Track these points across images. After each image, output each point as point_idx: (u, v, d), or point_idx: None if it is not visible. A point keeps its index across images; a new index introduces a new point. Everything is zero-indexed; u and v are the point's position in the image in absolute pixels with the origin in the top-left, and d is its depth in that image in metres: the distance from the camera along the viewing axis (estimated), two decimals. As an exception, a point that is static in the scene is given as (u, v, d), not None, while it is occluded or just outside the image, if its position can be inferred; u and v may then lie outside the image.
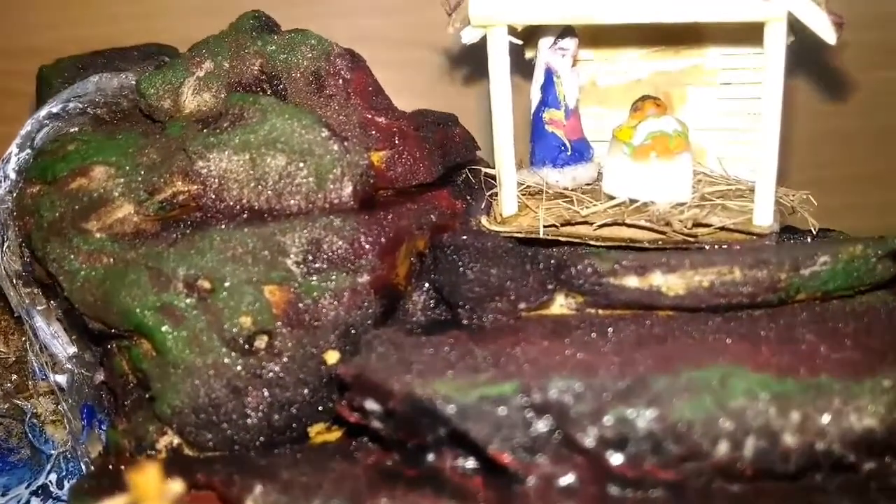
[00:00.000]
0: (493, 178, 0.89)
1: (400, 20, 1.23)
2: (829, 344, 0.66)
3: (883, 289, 0.76)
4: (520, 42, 0.85)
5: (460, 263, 0.76)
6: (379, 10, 1.22)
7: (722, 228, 0.81)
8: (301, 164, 0.75)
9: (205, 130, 0.77)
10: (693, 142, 0.90)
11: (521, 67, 0.95)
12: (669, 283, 0.71)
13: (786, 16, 0.74)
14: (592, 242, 0.84)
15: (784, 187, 0.90)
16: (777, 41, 0.75)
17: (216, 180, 0.76)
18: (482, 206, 0.91)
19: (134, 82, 0.88)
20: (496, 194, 0.89)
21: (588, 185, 0.94)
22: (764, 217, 0.80)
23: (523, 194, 0.90)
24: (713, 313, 0.73)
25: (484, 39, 0.84)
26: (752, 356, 0.62)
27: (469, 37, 0.85)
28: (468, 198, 0.92)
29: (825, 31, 0.75)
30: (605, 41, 1.01)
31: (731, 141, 1.02)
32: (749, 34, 0.93)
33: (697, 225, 0.81)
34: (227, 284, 0.72)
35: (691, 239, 0.81)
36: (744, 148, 1.01)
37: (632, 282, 0.71)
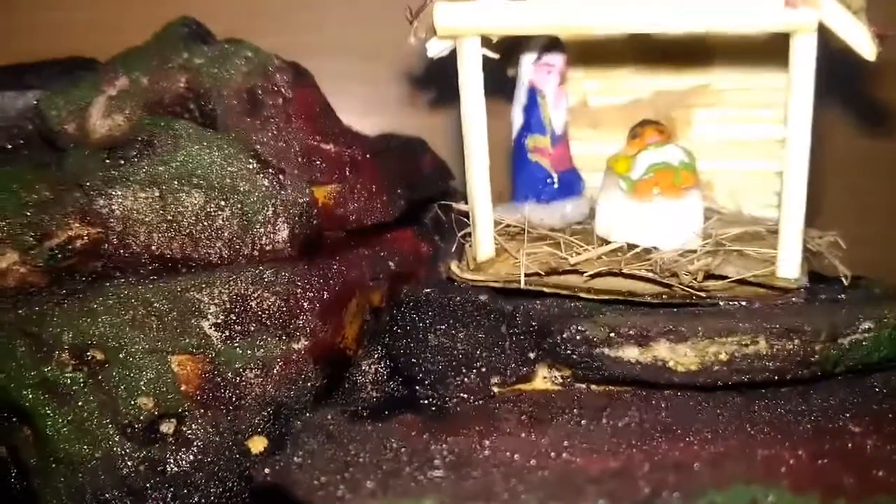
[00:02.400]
0: (467, 215, 0.75)
1: (375, 32, 1.10)
2: (880, 437, 0.52)
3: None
4: (496, 56, 0.71)
5: (421, 325, 0.63)
6: (352, 21, 1.09)
7: (739, 281, 0.67)
8: (222, 203, 0.61)
9: (108, 161, 0.63)
10: (700, 172, 0.77)
11: (502, 85, 0.81)
12: (678, 355, 0.57)
13: (816, 26, 0.61)
14: (583, 295, 0.70)
15: (809, 227, 0.77)
16: (806, 56, 0.62)
17: (119, 222, 0.62)
18: (453, 249, 0.77)
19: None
20: (469, 235, 0.75)
21: (578, 223, 0.80)
22: (790, 268, 0.66)
23: (502, 235, 0.76)
24: (731, 389, 0.59)
25: (454, 52, 0.70)
26: (787, 463, 0.48)
27: (436, 49, 0.72)
28: (437, 239, 0.78)
29: (862, 44, 0.62)
30: (597, 59, 0.87)
31: (743, 171, 0.88)
32: (767, 51, 0.80)
33: (710, 277, 0.67)
34: (123, 355, 0.57)
35: (702, 294, 0.67)
36: (758, 179, 0.87)
37: (631, 353, 0.57)
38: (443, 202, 0.79)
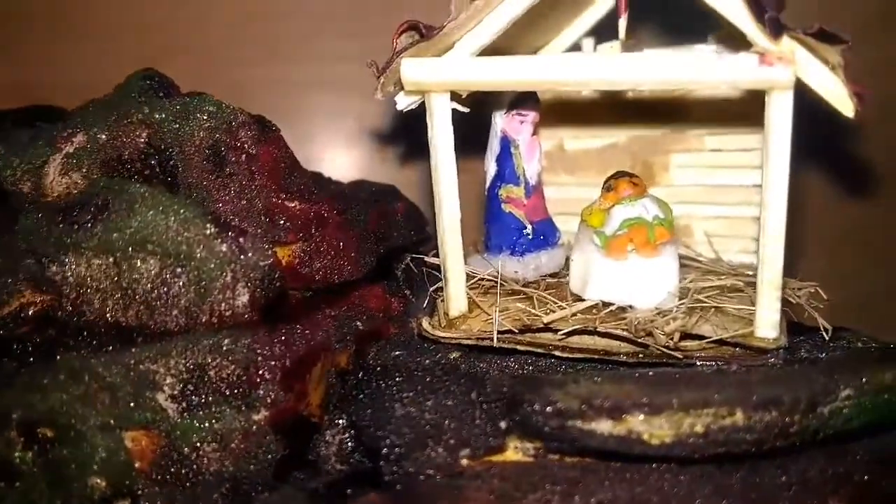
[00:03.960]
0: (439, 268, 0.73)
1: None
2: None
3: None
4: (466, 110, 0.69)
5: (388, 393, 0.60)
6: (342, 55, 1.07)
7: (717, 341, 0.65)
8: (178, 270, 0.59)
9: (61, 226, 0.60)
10: (677, 216, 0.75)
11: (474, 134, 0.79)
12: (653, 428, 0.55)
13: (793, 83, 0.59)
14: (558, 353, 0.68)
15: (788, 278, 0.75)
16: (782, 114, 0.60)
17: (73, 290, 0.60)
18: (424, 304, 0.75)
19: (-5, 155, 0.71)
20: (441, 289, 0.73)
21: (554, 274, 0.78)
22: (768, 328, 0.64)
23: (474, 289, 0.74)
24: (708, 462, 0.57)
25: (423, 104, 0.68)
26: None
27: (404, 103, 0.70)
28: (408, 293, 0.76)
29: (841, 101, 0.60)
30: (572, 107, 0.86)
31: (722, 216, 0.87)
32: (744, 101, 0.79)
33: (686, 336, 0.66)
34: (73, 434, 0.55)
35: (678, 355, 0.65)
36: (737, 224, 0.86)
37: (605, 426, 0.55)
38: (415, 255, 0.77)
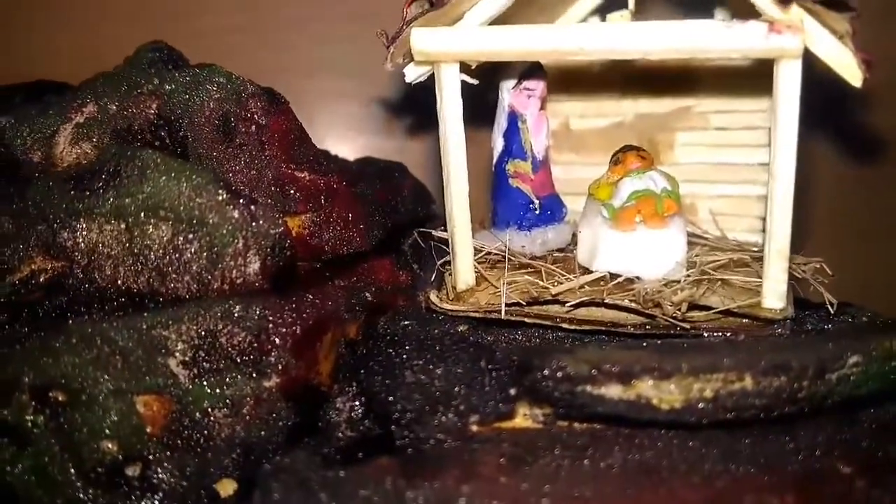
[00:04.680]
0: (446, 242, 0.73)
1: (366, 47, 1.09)
2: (870, 479, 0.51)
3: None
4: (475, 82, 0.69)
5: (397, 360, 0.60)
6: (341, 37, 1.07)
7: (724, 312, 0.65)
8: (190, 236, 0.59)
9: (73, 192, 0.60)
10: (682, 195, 0.75)
11: (482, 110, 0.79)
12: (662, 392, 0.55)
13: (801, 52, 0.59)
14: (565, 326, 0.69)
15: (793, 254, 0.75)
16: (791, 82, 0.60)
17: (84, 256, 0.60)
18: (432, 278, 0.75)
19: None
20: (449, 263, 0.73)
21: (560, 250, 0.78)
22: (775, 299, 0.65)
23: (482, 263, 0.74)
24: (717, 427, 0.57)
25: (432, 77, 0.68)
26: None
27: (413, 74, 0.70)
28: (416, 267, 0.76)
29: (849, 70, 0.60)
30: (579, 83, 0.86)
31: (727, 195, 0.87)
32: (752, 74, 0.79)
33: (694, 307, 0.66)
34: (86, 397, 0.55)
35: (686, 326, 0.65)
36: (742, 203, 0.86)
37: (614, 391, 0.55)
38: (422, 229, 0.77)
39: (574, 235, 0.77)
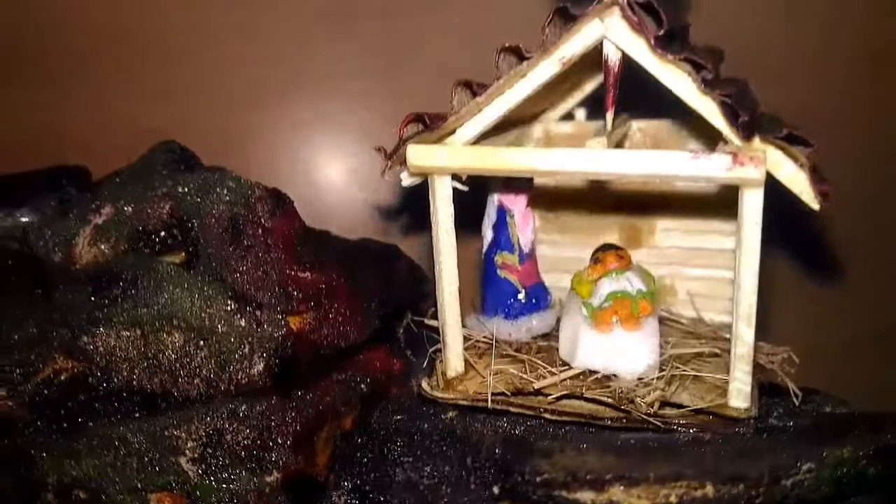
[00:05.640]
0: (437, 330, 0.79)
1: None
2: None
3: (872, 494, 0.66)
4: (465, 188, 0.75)
5: (389, 457, 0.66)
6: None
7: (695, 410, 0.70)
8: (201, 343, 0.64)
9: (93, 299, 0.66)
10: (662, 276, 0.81)
11: (473, 206, 0.85)
12: (631, 497, 0.61)
13: (763, 181, 0.65)
14: (548, 416, 0.74)
15: (763, 342, 0.81)
16: (754, 208, 0.66)
17: (103, 358, 0.65)
18: (424, 364, 0.81)
19: (25, 220, 0.76)
20: (440, 351, 0.78)
21: (545, 335, 0.84)
22: (740, 400, 0.70)
23: (470, 350, 0.80)
24: (682, 526, 0.62)
25: (426, 182, 0.74)
26: None
27: (409, 180, 0.76)
28: (409, 353, 0.81)
29: (809, 196, 0.66)
30: (560, 198, 0.92)
31: (702, 277, 0.92)
32: (720, 203, 0.85)
33: (666, 403, 0.71)
34: (105, 496, 0.60)
35: (657, 423, 0.70)
36: (716, 285, 0.92)
37: (588, 496, 0.61)
38: (415, 317, 0.83)
39: (558, 320, 0.83)
